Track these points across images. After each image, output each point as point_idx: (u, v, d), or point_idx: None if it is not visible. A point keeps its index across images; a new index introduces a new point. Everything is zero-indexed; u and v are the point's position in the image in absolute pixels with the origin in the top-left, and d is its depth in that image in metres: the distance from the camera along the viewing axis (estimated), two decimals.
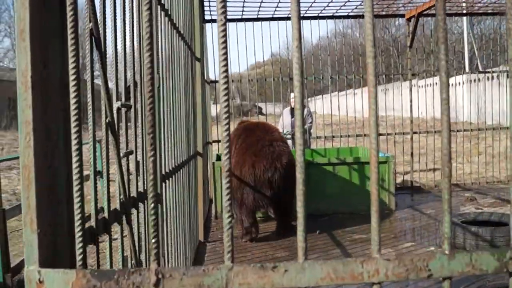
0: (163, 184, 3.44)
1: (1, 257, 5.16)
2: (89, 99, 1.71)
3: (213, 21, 9.15)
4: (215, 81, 9.31)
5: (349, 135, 9.54)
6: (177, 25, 4.48)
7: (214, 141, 9.31)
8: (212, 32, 9.19)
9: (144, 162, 2.68)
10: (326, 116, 10.69)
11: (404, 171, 11.32)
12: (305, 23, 9.31)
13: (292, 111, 9.60)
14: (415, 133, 9.68)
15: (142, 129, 2.69)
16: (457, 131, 10.33)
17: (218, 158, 8.65)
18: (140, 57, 2.55)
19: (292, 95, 9.63)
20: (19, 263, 5.48)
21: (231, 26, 9.26)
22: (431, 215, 7.42)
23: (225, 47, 1.04)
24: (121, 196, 2.13)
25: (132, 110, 2.51)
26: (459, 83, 22.16)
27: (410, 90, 9.36)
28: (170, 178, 3.85)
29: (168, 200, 3.68)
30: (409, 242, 6.06)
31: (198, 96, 6.15)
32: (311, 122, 9.98)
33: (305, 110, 9.67)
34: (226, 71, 1.05)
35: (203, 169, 6.55)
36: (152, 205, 1.14)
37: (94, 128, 1.72)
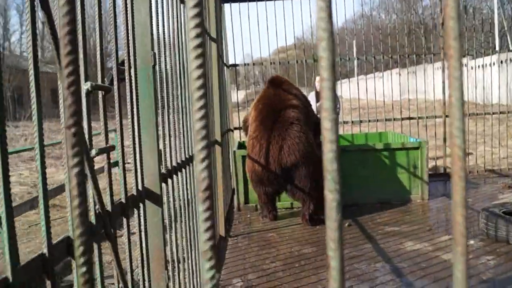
0: (169, 180, 2.95)
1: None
2: (32, 78, 1.20)
3: (233, 1, 8.60)
4: (235, 65, 8.77)
5: (377, 120, 8.92)
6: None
7: (235, 128, 8.79)
8: (231, 13, 8.60)
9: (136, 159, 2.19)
10: (352, 100, 10.07)
11: (436, 156, 10.66)
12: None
13: (318, 95, 8.97)
14: (447, 116, 9.00)
15: (134, 118, 2.18)
16: (487, 113, 9.59)
17: (240, 146, 8.15)
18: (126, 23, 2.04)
19: (317, 78, 8.97)
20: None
21: (251, 6, 8.68)
22: (467, 204, 6.82)
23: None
24: (97, 207, 1.63)
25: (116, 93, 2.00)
26: (490, 64, 21.26)
27: (443, 70, 8.71)
28: (179, 172, 3.35)
29: (176, 197, 3.19)
30: (445, 235, 5.48)
31: (214, 80, 5.63)
32: (338, 108, 9.32)
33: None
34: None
35: (223, 158, 6.04)
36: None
37: (40, 117, 1.21)
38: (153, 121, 2.41)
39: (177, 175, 3.05)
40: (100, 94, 1.80)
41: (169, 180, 2.77)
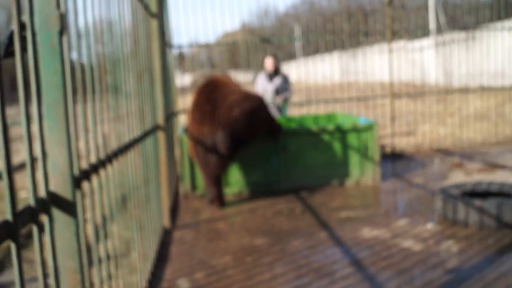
0: (101, 172, 2.28)
1: None
2: None
3: None
4: (180, 46, 8.01)
5: (326, 101, 8.38)
6: None
7: (180, 112, 8.08)
8: None
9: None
10: (297, 83, 9.51)
11: (381, 136, 10.28)
12: None
13: (268, 76, 8.29)
14: (394, 96, 8.56)
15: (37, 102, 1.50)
16: (425, 94, 9.22)
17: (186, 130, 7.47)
18: None
19: (268, 60, 8.28)
20: None
21: None
22: (419, 184, 6.39)
23: None
24: None
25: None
26: (426, 47, 21.18)
27: (389, 51, 8.24)
28: (114, 161, 2.68)
29: (109, 191, 2.52)
30: (403, 219, 5.01)
31: (156, 61, 4.92)
32: (290, 90, 8.64)
33: (284, 77, 8.35)
34: None
35: (166, 144, 5.36)
36: None
37: None
38: (62, 105, 1.72)
39: (101, 174, 2.37)
40: None
41: (97, 178, 2.09)
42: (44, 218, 1.64)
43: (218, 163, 5.76)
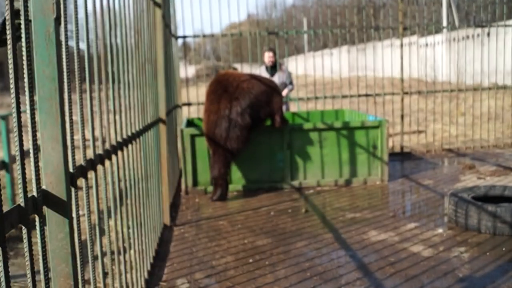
0: (100, 166, 2.21)
1: None
2: None
3: None
4: (185, 37, 7.92)
5: (334, 96, 8.28)
6: None
7: (184, 104, 8.00)
8: None
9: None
10: (303, 76, 9.42)
11: (391, 134, 10.19)
12: None
13: (269, 69, 8.31)
14: (405, 93, 8.46)
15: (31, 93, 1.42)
16: (436, 91, 9.08)
17: (189, 123, 7.40)
18: None
19: (267, 54, 8.34)
20: None
21: None
22: (429, 186, 6.30)
23: None
24: None
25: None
26: (438, 43, 21.00)
27: (401, 46, 8.14)
28: (115, 155, 2.61)
29: (107, 188, 2.45)
30: (412, 223, 4.92)
31: (159, 51, 4.83)
32: (292, 85, 8.65)
33: (285, 73, 8.39)
34: None
35: (168, 137, 5.29)
36: None
37: None
38: (56, 98, 1.64)
39: (99, 169, 2.30)
40: None
41: (94, 175, 2.02)
42: (35, 219, 1.56)
43: (237, 136, 5.91)
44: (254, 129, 6.10)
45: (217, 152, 5.98)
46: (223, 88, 6.03)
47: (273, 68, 8.23)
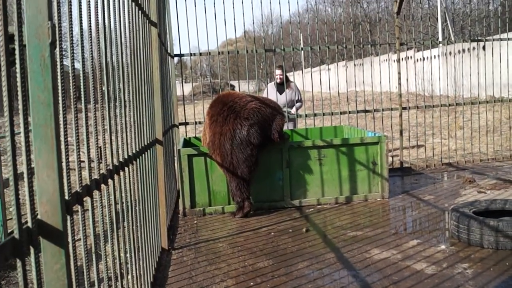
0: (95, 193, 2.17)
1: None
2: None
3: None
4: (181, 55, 7.92)
5: (332, 113, 8.26)
6: None
7: (181, 124, 7.97)
8: (176, 3, 7.75)
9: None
10: (301, 92, 9.42)
11: (390, 150, 10.17)
12: None
13: (278, 86, 8.49)
14: (404, 108, 8.45)
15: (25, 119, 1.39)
16: (434, 106, 9.06)
17: (186, 143, 7.36)
18: None
19: (277, 71, 8.56)
20: None
21: None
22: (430, 202, 6.27)
23: None
24: None
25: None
26: (434, 57, 21.11)
27: (398, 61, 8.15)
28: (111, 179, 2.57)
29: (103, 212, 2.41)
30: (414, 240, 4.88)
31: (155, 70, 4.82)
32: (301, 100, 8.82)
33: (294, 90, 8.61)
34: None
35: (165, 158, 5.25)
36: None
37: None
38: (51, 124, 1.61)
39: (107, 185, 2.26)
40: None
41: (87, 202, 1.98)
42: (30, 251, 1.52)
43: (246, 158, 5.91)
44: (260, 150, 6.09)
45: (228, 175, 6.03)
46: (229, 108, 6.02)
47: (281, 85, 8.38)
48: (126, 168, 3.15)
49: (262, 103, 6.22)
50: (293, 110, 8.47)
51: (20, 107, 1.51)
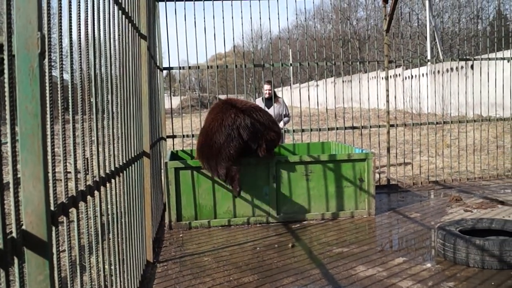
0: (82, 204, 2.17)
1: None
2: None
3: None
4: (170, 68, 7.95)
5: (320, 129, 8.31)
6: None
7: (168, 137, 7.98)
8: (166, 17, 7.79)
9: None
10: (289, 108, 9.48)
11: (377, 166, 10.23)
12: (266, 13, 8.06)
13: (266, 101, 8.57)
14: (391, 125, 8.53)
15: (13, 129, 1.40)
16: (423, 124, 9.13)
17: (173, 156, 7.37)
18: None
19: (265, 86, 8.72)
20: None
21: (188, 6, 7.91)
22: (416, 219, 6.30)
23: None
24: None
25: None
26: (423, 75, 21.32)
27: (387, 78, 8.23)
28: (97, 190, 2.57)
29: (89, 224, 2.40)
30: (400, 257, 4.90)
31: (144, 83, 4.83)
32: (289, 115, 8.92)
33: (281, 105, 8.72)
34: None
35: (152, 171, 5.25)
36: None
37: None
38: (39, 134, 1.62)
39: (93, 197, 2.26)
40: None
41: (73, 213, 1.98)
42: (14, 261, 1.52)
43: (234, 146, 6.03)
44: (242, 154, 6.15)
45: (212, 158, 6.05)
46: (230, 105, 6.26)
47: (270, 100, 8.49)
48: (113, 180, 3.15)
49: (266, 112, 6.45)
50: (281, 125, 8.55)
51: (8, 116, 1.52)
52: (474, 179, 8.89)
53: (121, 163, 3.49)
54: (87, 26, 2.61)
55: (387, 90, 8.33)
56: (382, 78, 8.46)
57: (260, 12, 8.19)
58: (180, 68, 8.10)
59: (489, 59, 9.02)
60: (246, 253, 5.19)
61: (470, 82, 9.61)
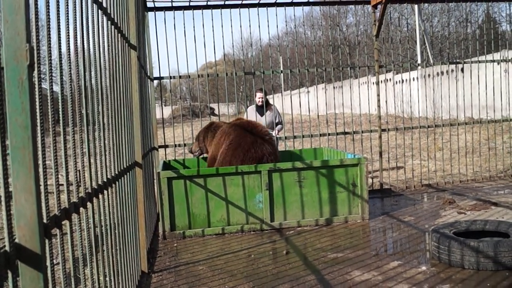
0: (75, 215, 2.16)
1: None
2: None
3: (158, 9, 7.82)
4: (161, 78, 7.96)
5: (312, 135, 8.33)
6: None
7: (160, 146, 7.97)
8: (156, 27, 7.81)
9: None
10: (281, 115, 9.51)
11: (370, 171, 10.25)
12: (256, 20, 8.10)
13: (258, 109, 8.62)
14: (383, 130, 8.57)
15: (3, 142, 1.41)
16: (413, 127, 9.16)
17: (165, 166, 7.36)
18: None
19: (258, 94, 8.71)
20: None
21: (177, 15, 7.95)
22: (410, 223, 6.32)
23: None
24: None
25: None
26: (413, 79, 21.42)
27: (377, 83, 8.27)
28: (90, 202, 2.56)
29: (82, 236, 2.40)
30: (395, 261, 4.91)
31: (135, 93, 4.83)
32: (281, 122, 8.96)
33: (274, 112, 8.77)
34: None
35: (145, 181, 5.24)
36: None
37: None
38: (29, 147, 1.62)
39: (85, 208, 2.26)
40: None
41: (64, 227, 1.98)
42: (8, 275, 1.51)
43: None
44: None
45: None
46: (251, 133, 6.94)
47: (262, 107, 8.53)
48: (105, 191, 3.15)
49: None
50: (275, 132, 8.57)
51: None
52: (467, 181, 8.93)
53: (113, 174, 3.49)
54: (76, 37, 2.61)
55: (378, 95, 8.37)
56: (373, 83, 8.51)
57: (249, 20, 8.20)
58: (170, 77, 8.11)
59: (479, 61, 9.09)
60: (241, 261, 5.18)
61: (461, 85, 9.67)
